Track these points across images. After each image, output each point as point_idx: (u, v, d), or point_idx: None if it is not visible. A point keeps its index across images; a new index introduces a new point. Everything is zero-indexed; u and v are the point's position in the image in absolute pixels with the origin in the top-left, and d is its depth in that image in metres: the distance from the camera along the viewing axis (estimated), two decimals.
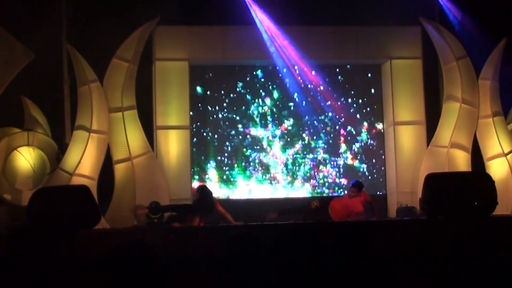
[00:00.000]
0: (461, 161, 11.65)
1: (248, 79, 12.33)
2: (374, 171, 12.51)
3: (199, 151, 12.14)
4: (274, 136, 12.30)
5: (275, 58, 11.95)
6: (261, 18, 11.79)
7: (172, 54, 11.73)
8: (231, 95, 12.26)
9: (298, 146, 12.37)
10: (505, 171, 11.58)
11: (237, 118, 12.24)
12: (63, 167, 10.75)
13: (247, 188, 12.18)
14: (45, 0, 11.31)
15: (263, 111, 12.33)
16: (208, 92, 12.24)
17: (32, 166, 11.40)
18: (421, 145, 12.05)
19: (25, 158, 11.38)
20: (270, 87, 12.38)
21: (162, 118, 11.57)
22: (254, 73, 12.35)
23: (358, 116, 12.51)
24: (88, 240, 7.73)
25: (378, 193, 12.30)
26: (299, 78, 12.27)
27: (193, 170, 11.89)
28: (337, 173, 12.41)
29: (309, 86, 12.32)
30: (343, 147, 12.45)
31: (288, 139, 12.36)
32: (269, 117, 12.32)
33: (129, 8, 11.17)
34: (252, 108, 12.29)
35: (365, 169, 12.45)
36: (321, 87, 12.30)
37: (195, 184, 11.58)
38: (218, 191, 11.99)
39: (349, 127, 12.45)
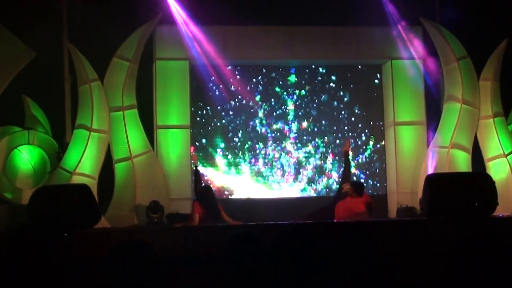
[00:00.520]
0: (462, 162, 11.65)
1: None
2: (377, 171, 12.52)
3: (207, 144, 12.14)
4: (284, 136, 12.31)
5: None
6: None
7: (173, 53, 11.72)
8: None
9: (309, 147, 12.36)
10: (505, 172, 11.57)
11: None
12: (63, 166, 10.75)
13: (251, 181, 12.15)
14: None
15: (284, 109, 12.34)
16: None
17: (33, 165, 11.41)
18: (421, 145, 12.05)
19: (26, 157, 11.39)
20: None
21: (162, 118, 11.57)
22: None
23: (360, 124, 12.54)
24: (88, 239, 7.73)
25: (377, 193, 12.29)
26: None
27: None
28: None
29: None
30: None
31: (303, 139, 12.37)
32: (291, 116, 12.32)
33: (130, 7, 11.16)
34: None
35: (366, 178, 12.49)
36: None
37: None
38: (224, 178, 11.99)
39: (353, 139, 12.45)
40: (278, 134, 12.35)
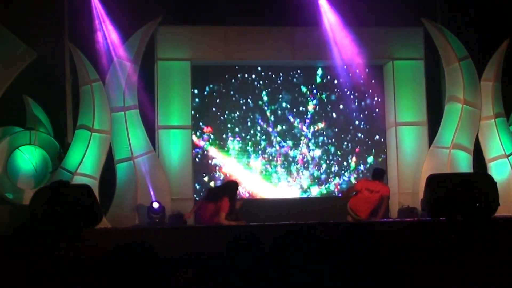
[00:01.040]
0: (463, 162, 11.65)
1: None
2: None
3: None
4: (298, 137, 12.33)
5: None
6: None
7: (174, 53, 11.73)
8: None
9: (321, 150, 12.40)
10: (507, 172, 11.58)
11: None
12: (65, 166, 10.76)
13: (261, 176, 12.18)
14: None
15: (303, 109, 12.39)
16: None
17: (34, 165, 11.42)
18: (423, 146, 12.04)
19: (27, 157, 11.40)
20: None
21: (164, 118, 11.58)
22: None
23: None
24: (89, 239, 7.72)
25: None
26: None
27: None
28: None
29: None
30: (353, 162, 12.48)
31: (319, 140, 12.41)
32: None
33: (131, 8, 11.17)
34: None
35: None
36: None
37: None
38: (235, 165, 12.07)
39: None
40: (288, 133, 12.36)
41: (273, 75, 12.40)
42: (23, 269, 3.28)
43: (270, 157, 12.29)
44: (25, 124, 11.62)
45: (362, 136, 12.51)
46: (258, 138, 12.26)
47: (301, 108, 12.40)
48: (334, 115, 12.49)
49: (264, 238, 3.42)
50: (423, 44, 12.15)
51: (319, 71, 12.50)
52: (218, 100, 12.19)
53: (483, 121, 11.80)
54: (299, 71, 12.47)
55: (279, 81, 12.43)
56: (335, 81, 12.52)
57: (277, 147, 12.29)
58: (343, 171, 12.44)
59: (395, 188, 11.99)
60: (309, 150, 12.38)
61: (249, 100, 12.26)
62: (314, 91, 12.46)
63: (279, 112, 12.36)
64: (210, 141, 12.14)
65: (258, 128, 12.26)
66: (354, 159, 12.46)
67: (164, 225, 10.29)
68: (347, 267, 3.30)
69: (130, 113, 11.20)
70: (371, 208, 10.08)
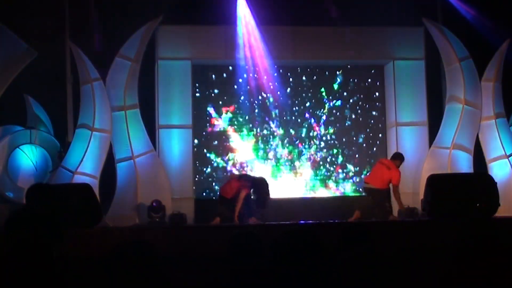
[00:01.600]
0: (463, 163, 11.64)
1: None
2: None
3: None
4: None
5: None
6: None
7: (175, 53, 11.73)
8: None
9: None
10: (507, 172, 11.57)
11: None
12: (65, 165, 10.77)
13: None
14: None
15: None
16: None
17: (35, 164, 11.42)
18: (423, 146, 12.04)
19: (28, 156, 11.40)
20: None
21: (164, 117, 11.57)
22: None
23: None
24: (89, 238, 7.73)
25: None
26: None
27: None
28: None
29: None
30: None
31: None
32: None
33: (132, 7, 11.17)
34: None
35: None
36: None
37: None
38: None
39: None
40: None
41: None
42: (23, 269, 3.28)
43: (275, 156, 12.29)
44: (25, 123, 11.62)
45: (363, 136, 12.51)
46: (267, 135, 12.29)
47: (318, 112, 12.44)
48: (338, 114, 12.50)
49: (264, 238, 3.42)
50: (424, 44, 12.14)
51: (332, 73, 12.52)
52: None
53: (483, 121, 11.80)
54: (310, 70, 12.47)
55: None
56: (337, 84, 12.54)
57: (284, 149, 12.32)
58: (345, 172, 12.44)
59: None
60: (307, 150, 12.39)
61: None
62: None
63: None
64: (229, 122, 12.17)
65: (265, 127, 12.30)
66: (356, 160, 12.46)
67: (164, 224, 10.29)
68: (347, 267, 3.30)
69: (131, 112, 11.19)
70: (377, 178, 10.51)
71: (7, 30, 10.76)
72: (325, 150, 12.43)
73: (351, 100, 12.54)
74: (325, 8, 11.79)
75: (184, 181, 11.49)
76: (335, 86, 12.52)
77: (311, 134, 12.42)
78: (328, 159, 12.43)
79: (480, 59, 11.82)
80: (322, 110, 12.46)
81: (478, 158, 11.79)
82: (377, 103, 12.58)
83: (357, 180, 12.39)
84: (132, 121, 11.17)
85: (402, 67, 12.21)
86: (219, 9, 11.41)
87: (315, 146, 12.41)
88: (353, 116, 12.52)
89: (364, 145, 12.54)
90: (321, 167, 12.40)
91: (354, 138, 12.49)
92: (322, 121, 12.46)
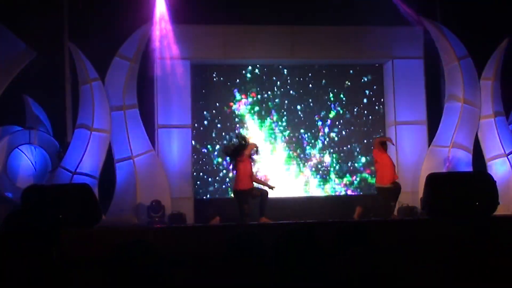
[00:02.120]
0: (462, 161, 11.65)
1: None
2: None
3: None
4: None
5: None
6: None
7: (174, 53, 11.70)
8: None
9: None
10: (506, 171, 11.58)
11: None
12: (64, 165, 10.77)
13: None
14: None
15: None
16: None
17: (34, 165, 11.41)
18: (422, 145, 12.05)
19: (27, 157, 11.40)
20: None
21: (163, 117, 11.57)
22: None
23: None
24: (89, 238, 7.73)
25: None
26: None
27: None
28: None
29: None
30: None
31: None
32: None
33: (131, 7, 11.16)
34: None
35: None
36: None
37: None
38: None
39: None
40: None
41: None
42: (21, 269, 3.28)
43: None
44: (24, 123, 11.61)
45: (362, 135, 12.52)
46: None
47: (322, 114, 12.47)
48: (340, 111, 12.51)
49: (264, 238, 3.42)
50: (423, 43, 12.15)
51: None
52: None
53: (482, 120, 11.81)
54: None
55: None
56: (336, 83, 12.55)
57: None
58: (344, 171, 12.46)
59: None
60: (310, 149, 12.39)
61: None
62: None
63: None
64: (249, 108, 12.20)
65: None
66: (355, 158, 12.47)
67: (164, 224, 10.29)
68: (347, 266, 3.30)
69: (130, 112, 11.20)
70: (377, 176, 10.65)
71: (6, 30, 10.76)
72: (324, 149, 12.43)
73: (350, 99, 12.55)
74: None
75: (183, 181, 11.49)
76: (335, 85, 12.52)
77: (310, 133, 12.42)
78: (328, 159, 12.43)
79: (479, 57, 11.83)
80: (321, 109, 12.47)
81: (477, 156, 11.80)
82: (376, 102, 12.59)
83: (356, 179, 12.40)
84: (131, 121, 11.18)
85: (401, 66, 12.21)
86: (218, 9, 11.41)
87: (315, 145, 12.41)
88: (352, 115, 12.52)
89: (363, 143, 12.53)
90: (321, 166, 12.40)
91: (353, 138, 12.50)
92: (321, 120, 12.46)
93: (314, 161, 12.37)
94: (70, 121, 11.38)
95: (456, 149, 11.70)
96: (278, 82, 12.40)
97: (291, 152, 12.34)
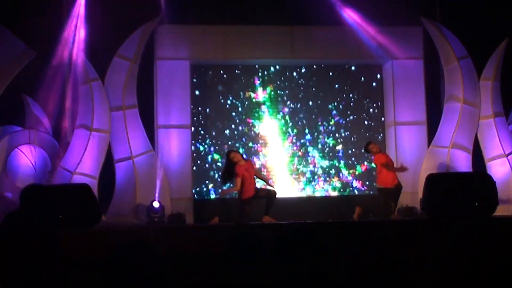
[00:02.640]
0: (462, 162, 11.66)
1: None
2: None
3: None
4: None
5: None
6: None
7: (174, 52, 11.72)
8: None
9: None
10: (506, 171, 11.58)
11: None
12: (64, 165, 10.77)
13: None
14: None
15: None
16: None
17: (33, 165, 11.41)
18: (422, 145, 12.05)
19: (26, 157, 11.40)
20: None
21: (163, 117, 11.57)
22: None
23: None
24: (89, 238, 7.73)
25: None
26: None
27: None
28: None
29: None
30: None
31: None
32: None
33: (131, 7, 11.16)
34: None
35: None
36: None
37: None
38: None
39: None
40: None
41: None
42: (20, 269, 3.28)
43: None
44: (24, 123, 11.61)
45: (362, 135, 12.51)
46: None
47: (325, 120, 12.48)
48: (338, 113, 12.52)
49: (264, 238, 3.42)
50: (422, 44, 12.14)
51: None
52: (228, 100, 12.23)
53: (482, 120, 11.81)
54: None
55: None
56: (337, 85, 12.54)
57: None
58: (343, 171, 12.46)
59: None
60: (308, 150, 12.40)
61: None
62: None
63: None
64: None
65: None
66: (354, 159, 12.47)
67: (163, 224, 10.28)
68: (347, 266, 3.31)
69: (129, 112, 11.20)
70: (377, 178, 10.81)
71: (5, 30, 10.76)
72: (323, 149, 12.43)
73: (350, 99, 12.55)
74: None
75: (183, 181, 11.49)
76: (334, 85, 12.53)
77: (310, 133, 12.42)
78: (328, 158, 12.43)
79: (479, 58, 11.83)
80: (321, 109, 12.47)
81: (476, 157, 11.80)
82: (376, 102, 12.59)
83: (356, 179, 12.40)
84: (131, 121, 11.18)
85: (400, 66, 12.21)
86: (218, 8, 11.41)
87: (315, 146, 12.41)
88: (352, 115, 12.52)
89: (363, 144, 12.52)
90: (320, 166, 12.40)
91: (353, 138, 12.50)
92: (320, 119, 12.47)
93: (314, 161, 12.37)
94: (70, 121, 11.37)
95: (455, 149, 11.70)
96: (278, 82, 12.40)
97: (291, 152, 12.33)
